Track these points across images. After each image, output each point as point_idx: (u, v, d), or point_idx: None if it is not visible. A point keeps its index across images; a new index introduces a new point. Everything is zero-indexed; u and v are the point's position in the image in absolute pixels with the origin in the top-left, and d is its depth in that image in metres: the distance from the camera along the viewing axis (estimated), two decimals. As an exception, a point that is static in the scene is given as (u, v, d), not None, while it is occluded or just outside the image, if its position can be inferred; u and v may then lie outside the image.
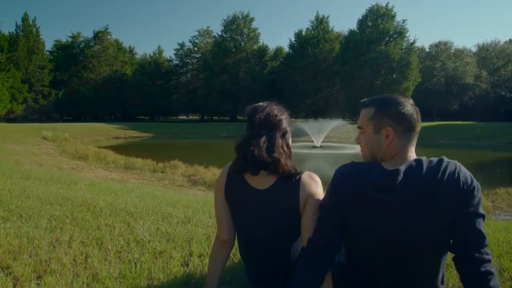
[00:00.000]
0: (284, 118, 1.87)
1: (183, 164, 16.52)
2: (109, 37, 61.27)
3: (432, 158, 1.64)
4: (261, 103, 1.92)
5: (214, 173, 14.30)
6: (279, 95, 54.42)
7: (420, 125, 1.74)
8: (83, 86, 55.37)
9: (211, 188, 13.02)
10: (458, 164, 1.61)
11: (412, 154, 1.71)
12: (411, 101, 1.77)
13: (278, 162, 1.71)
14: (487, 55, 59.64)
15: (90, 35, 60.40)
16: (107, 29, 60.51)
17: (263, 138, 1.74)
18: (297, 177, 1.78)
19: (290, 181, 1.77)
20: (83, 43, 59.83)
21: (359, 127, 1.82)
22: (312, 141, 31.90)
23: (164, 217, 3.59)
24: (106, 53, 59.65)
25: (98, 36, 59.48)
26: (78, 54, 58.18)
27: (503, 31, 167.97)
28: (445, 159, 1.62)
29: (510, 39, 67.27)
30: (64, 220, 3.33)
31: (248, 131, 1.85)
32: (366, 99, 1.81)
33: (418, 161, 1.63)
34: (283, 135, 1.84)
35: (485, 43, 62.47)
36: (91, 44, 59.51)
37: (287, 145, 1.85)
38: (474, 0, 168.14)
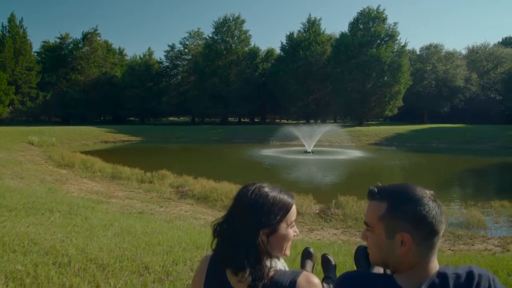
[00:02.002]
0: (280, 215, 1.48)
1: (172, 174, 16.10)
2: (98, 38, 60.41)
3: (459, 270, 1.29)
4: (258, 187, 1.53)
5: (203, 184, 13.89)
6: (270, 97, 54.23)
7: (444, 226, 1.37)
8: (72, 88, 54.49)
9: (200, 201, 12.64)
10: (492, 277, 1.26)
11: (433, 265, 1.33)
12: (431, 193, 1.39)
13: (259, 281, 1.35)
14: (476, 58, 60.02)
15: (78, 36, 59.42)
16: (96, 30, 59.68)
17: (243, 246, 1.38)
18: (291, 280, 1.41)
19: (282, 286, 1.40)
20: (71, 44, 58.85)
21: (366, 224, 1.44)
22: (303, 146, 31.63)
23: (139, 271, 3.21)
24: (95, 54, 58.79)
25: (87, 37, 58.58)
26: (67, 56, 57.21)
27: (492, 33, 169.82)
28: (475, 271, 1.26)
29: (499, 42, 67.89)
30: (24, 280, 2.93)
31: (228, 216, 1.49)
32: (375, 188, 1.42)
33: (443, 277, 1.26)
34: (273, 232, 1.46)
35: (475, 46, 62.89)
36: (80, 45, 58.59)
37: (280, 240, 1.48)
38: (463, 2, 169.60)
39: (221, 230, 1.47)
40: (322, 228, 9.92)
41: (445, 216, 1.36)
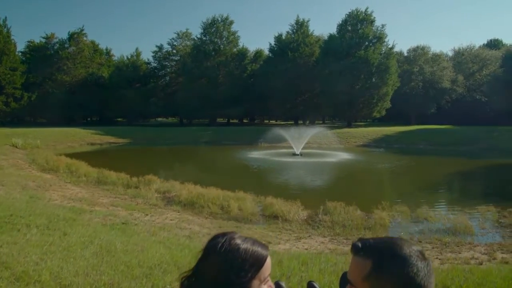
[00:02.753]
0: (252, 271, 1.34)
1: (158, 178, 15.85)
2: (84, 38, 59.59)
3: None
4: (228, 239, 1.39)
5: (189, 190, 13.68)
6: (259, 98, 54.02)
7: (433, 285, 1.24)
8: (58, 89, 53.70)
9: (186, 208, 12.42)
10: None
11: None
12: (419, 250, 1.26)
13: None
14: (462, 60, 60.78)
15: (64, 36, 58.47)
16: (82, 30, 58.85)
17: None
18: None
19: None
20: (57, 44, 57.91)
21: (349, 282, 1.31)
22: (292, 148, 31.55)
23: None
24: (82, 54, 57.98)
25: (73, 37, 57.73)
26: (52, 56, 56.27)
27: (477, 35, 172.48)
28: None
29: (484, 44, 68.83)
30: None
31: (195, 270, 1.35)
32: (359, 243, 1.29)
33: None
34: None
35: (461, 48, 63.68)
36: (66, 45, 57.71)
37: None
38: (449, 4, 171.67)
39: (189, 284, 1.33)
40: (309, 236, 9.81)
41: (434, 276, 1.24)
